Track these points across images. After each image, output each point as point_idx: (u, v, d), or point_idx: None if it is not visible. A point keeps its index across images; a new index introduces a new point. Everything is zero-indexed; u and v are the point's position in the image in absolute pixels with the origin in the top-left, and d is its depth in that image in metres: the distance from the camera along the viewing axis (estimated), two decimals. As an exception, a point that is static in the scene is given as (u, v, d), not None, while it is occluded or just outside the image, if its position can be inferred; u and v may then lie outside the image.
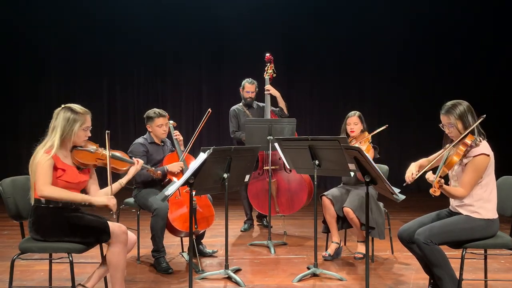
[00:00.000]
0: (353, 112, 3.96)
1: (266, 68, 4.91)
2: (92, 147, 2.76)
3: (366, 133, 3.88)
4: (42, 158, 2.53)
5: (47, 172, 2.53)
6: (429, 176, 2.58)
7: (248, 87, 4.88)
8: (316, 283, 3.29)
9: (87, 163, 2.72)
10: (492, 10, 7.81)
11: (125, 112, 8.16)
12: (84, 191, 2.80)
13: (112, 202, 2.65)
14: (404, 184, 2.69)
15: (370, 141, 3.86)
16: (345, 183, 4.01)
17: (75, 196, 2.62)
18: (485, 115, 2.57)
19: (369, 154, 3.71)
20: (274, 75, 4.92)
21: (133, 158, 2.97)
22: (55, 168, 2.59)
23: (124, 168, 2.86)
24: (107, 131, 2.74)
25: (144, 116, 3.85)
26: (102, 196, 2.71)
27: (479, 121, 2.60)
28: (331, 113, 8.17)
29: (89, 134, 2.74)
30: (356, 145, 3.71)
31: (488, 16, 7.85)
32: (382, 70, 8.11)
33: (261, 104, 4.96)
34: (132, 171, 2.88)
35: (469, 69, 7.92)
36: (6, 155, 7.78)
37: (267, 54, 4.92)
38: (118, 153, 2.87)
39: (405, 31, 8.01)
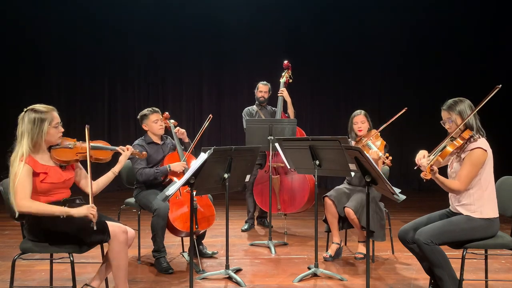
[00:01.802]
0: (358, 111, 3.95)
1: (283, 74, 5.01)
2: (70, 142, 2.70)
3: (374, 130, 3.85)
4: (18, 168, 2.47)
5: (24, 184, 2.47)
6: (423, 161, 2.62)
7: (261, 87, 5.02)
8: (316, 283, 3.30)
9: (68, 159, 2.66)
10: (494, 9, 7.79)
11: (126, 112, 8.17)
12: (76, 188, 2.79)
13: (91, 212, 2.51)
14: (416, 167, 2.70)
15: (379, 136, 3.83)
16: (350, 182, 4.00)
17: (53, 209, 2.51)
18: (499, 86, 2.56)
19: (383, 152, 3.67)
20: (291, 80, 5.02)
21: (120, 146, 2.94)
22: (35, 174, 2.53)
23: (108, 157, 2.82)
24: (86, 125, 2.70)
25: (138, 117, 3.88)
26: (82, 207, 2.57)
27: (482, 104, 2.58)
28: (331, 113, 8.18)
29: (62, 130, 2.66)
30: (369, 142, 3.70)
31: (490, 16, 7.84)
32: (382, 70, 8.12)
33: (274, 108, 5.03)
34: (123, 159, 2.88)
35: (470, 69, 7.91)
36: (5, 155, 7.79)
37: (285, 62, 5.02)
38: (98, 144, 2.83)
39: (405, 31, 8.02)
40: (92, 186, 2.69)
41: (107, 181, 2.86)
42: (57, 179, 2.62)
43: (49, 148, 2.67)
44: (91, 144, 2.74)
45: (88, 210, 2.52)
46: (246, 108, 5.05)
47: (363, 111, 3.94)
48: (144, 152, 3.19)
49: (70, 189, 2.75)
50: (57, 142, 2.66)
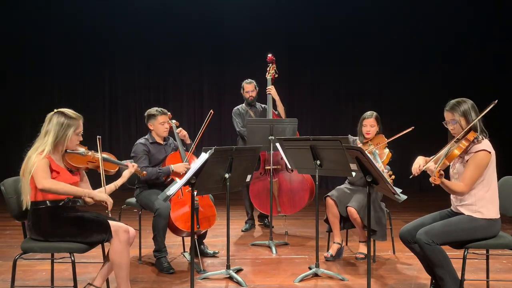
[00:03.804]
0: (369, 113, 3.82)
1: (268, 69, 4.91)
2: (82, 149, 2.79)
3: (382, 136, 3.76)
4: (37, 158, 2.56)
5: (45, 169, 2.56)
6: (430, 165, 2.62)
7: (247, 87, 4.89)
8: (317, 283, 3.29)
9: (79, 166, 2.75)
10: (497, 6, 7.77)
11: (127, 111, 8.18)
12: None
13: (110, 200, 2.71)
14: (411, 177, 2.70)
15: (387, 146, 3.73)
16: (350, 182, 4.00)
17: (76, 189, 2.65)
18: (496, 100, 2.55)
19: (387, 169, 3.56)
20: (276, 75, 4.91)
21: (127, 161, 3.01)
22: (50, 169, 2.61)
23: (114, 170, 2.89)
24: (98, 136, 2.78)
25: (145, 114, 3.86)
26: (102, 193, 2.74)
27: (491, 106, 2.58)
28: (332, 113, 8.17)
29: (81, 139, 2.77)
30: (376, 150, 3.57)
31: (494, 12, 7.81)
32: (383, 70, 8.10)
33: (263, 105, 4.97)
34: (126, 174, 2.93)
35: (472, 68, 7.89)
36: (7, 155, 7.80)
37: (269, 55, 4.90)
38: (107, 156, 2.91)
39: (406, 30, 8.00)
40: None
41: (109, 192, 2.87)
42: (66, 180, 2.66)
43: (63, 152, 2.73)
44: (102, 155, 2.82)
45: (108, 197, 2.71)
46: (235, 108, 4.96)
47: (374, 114, 3.81)
48: (144, 172, 3.21)
49: None
50: (73, 148, 2.74)
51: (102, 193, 2.73)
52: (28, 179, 2.57)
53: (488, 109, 2.61)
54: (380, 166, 3.37)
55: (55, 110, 2.70)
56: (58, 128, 2.63)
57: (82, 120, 2.74)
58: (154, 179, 3.66)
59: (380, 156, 3.56)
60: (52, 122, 2.65)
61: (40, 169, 2.54)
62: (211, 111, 3.84)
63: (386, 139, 3.68)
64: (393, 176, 3.20)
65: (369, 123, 3.79)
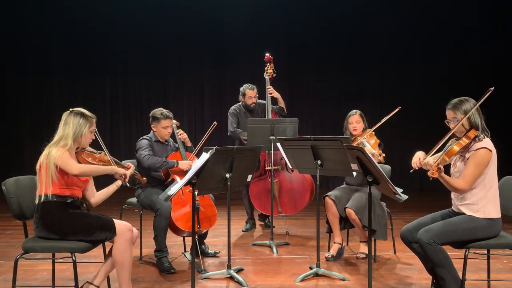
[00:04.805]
0: (354, 111, 4.00)
1: (266, 68, 4.91)
2: (94, 150, 2.90)
3: (369, 130, 3.88)
4: (60, 151, 2.65)
5: (70, 158, 2.67)
6: (429, 159, 2.63)
7: (250, 92, 4.82)
8: (318, 283, 3.30)
9: (94, 163, 2.82)
10: (497, 5, 7.76)
11: (127, 112, 8.19)
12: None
13: (126, 173, 2.86)
14: (411, 171, 2.70)
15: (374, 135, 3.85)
16: (348, 183, 4.01)
17: (104, 167, 2.79)
18: (493, 88, 2.57)
19: (377, 150, 3.70)
20: (274, 74, 4.92)
21: (127, 164, 3.04)
22: None
23: (123, 172, 2.94)
24: (103, 151, 2.90)
25: (150, 115, 3.85)
26: (121, 168, 2.88)
27: (488, 94, 2.59)
28: (332, 112, 8.17)
29: (93, 137, 2.87)
30: (363, 140, 3.72)
31: (494, 12, 7.81)
32: (383, 70, 8.10)
33: (259, 101, 4.94)
34: (127, 174, 2.94)
35: (473, 68, 7.89)
36: (8, 155, 7.82)
37: (267, 54, 4.91)
38: (116, 160, 2.98)
39: (406, 30, 8.00)
40: (96, 196, 2.93)
41: (112, 191, 2.95)
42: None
43: (77, 150, 2.82)
44: (112, 158, 2.93)
45: (126, 171, 2.88)
46: (233, 107, 4.92)
47: (358, 111, 3.98)
48: (144, 178, 3.22)
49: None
50: (86, 147, 2.85)
51: (122, 169, 2.86)
52: (52, 170, 2.62)
53: (480, 102, 2.61)
54: (369, 150, 3.57)
55: (70, 109, 2.82)
56: (76, 125, 2.76)
57: (95, 119, 2.88)
58: (157, 167, 3.65)
59: (368, 144, 3.74)
60: (69, 120, 2.77)
61: (68, 158, 2.65)
62: (215, 123, 3.86)
63: (373, 132, 3.82)
64: (383, 155, 3.56)
65: (355, 120, 3.94)
